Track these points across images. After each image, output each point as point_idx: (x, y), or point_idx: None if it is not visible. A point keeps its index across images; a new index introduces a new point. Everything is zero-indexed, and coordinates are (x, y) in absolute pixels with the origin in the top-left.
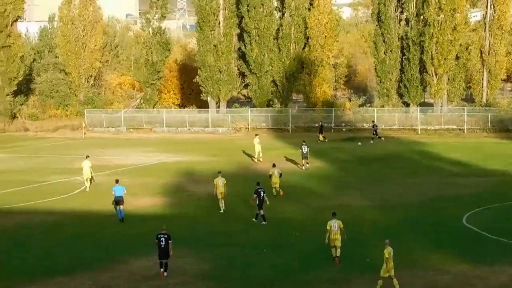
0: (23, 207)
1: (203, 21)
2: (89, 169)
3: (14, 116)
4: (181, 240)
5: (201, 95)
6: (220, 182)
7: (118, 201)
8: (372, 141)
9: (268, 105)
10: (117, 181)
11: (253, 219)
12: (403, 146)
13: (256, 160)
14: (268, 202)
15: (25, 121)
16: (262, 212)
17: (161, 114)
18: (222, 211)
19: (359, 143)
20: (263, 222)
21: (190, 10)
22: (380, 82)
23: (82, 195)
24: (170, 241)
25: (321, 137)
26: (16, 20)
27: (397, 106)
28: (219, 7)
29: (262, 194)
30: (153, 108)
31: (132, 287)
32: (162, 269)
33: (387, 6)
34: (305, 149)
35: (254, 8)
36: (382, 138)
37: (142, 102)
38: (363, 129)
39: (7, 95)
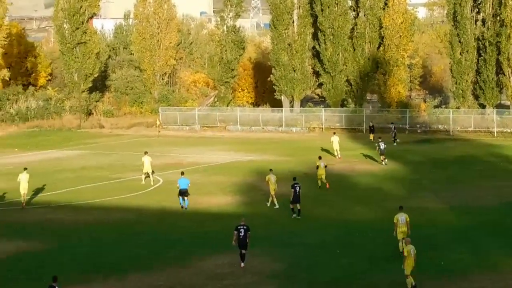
0: (100, 203)
1: (277, 20)
2: (149, 164)
3: (89, 113)
4: (254, 239)
5: (274, 94)
6: (272, 178)
7: (182, 193)
8: (395, 143)
9: (342, 105)
10: (182, 173)
11: (294, 215)
12: (479, 149)
13: (338, 156)
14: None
15: (100, 118)
16: (298, 206)
17: (235, 112)
18: (277, 206)
19: (395, 143)
20: (298, 216)
21: (264, 8)
22: (456, 83)
23: (156, 192)
24: (249, 232)
25: (371, 137)
26: (91, 17)
27: (473, 108)
28: (293, 6)
29: (297, 189)
30: (227, 106)
31: (204, 285)
32: (242, 262)
33: (463, 6)
34: (382, 145)
35: (328, 7)
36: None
37: (216, 100)
38: (438, 131)
39: (83, 91)
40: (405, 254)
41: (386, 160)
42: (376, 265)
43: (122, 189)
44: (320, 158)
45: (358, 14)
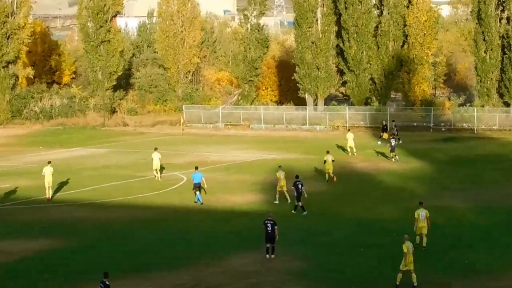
0: (123, 201)
1: (301, 18)
2: (158, 160)
3: (113, 111)
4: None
5: (298, 92)
6: (282, 175)
7: (197, 186)
8: (400, 141)
9: (366, 103)
10: (196, 168)
11: (292, 211)
12: (504, 147)
13: (350, 153)
14: (306, 195)
15: (124, 116)
16: (300, 203)
17: (259, 110)
18: (289, 201)
19: (379, 142)
20: (304, 212)
21: (288, 7)
22: (480, 81)
23: (179, 190)
24: (276, 227)
25: (385, 135)
26: (115, 16)
27: (498, 106)
28: (317, 4)
29: (300, 187)
30: (251, 104)
31: (228, 284)
32: (267, 254)
33: (487, 4)
34: (393, 142)
35: (352, 5)
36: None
37: (240, 98)
38: (463, 129)
39: (107, 89)
40: (405, 250)
41: (397, 156)
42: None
43: (145, 188)
44: (328, 152)
45: (382, 12)
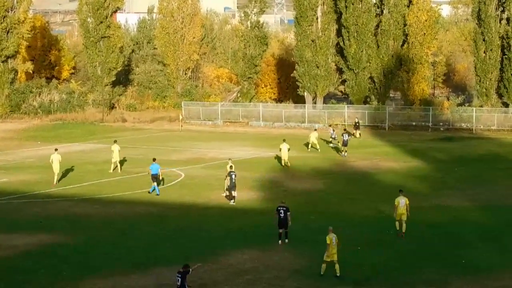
0: (122, 196)
1: (301, 16)
2: (118, 153)
3: (112, 107)
4: (276, 236)
5: (297, 90)
6: (228, 168)
7: (154, 178)
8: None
9: (365, 102)
10: (154, 160)
11: (232, 202)
12: (502, 147)
13: (308, 150)
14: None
15: (123, 111)
16: (234, 193)
17: (258, 108)
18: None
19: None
20: (233, 203)
21: (288, 4)
22: (480, 81)
23: (178, 186)
24: (288, 213)
25: (357, 134)
26: (115, 11)
27: (496, 106)
28: (317, 2)
29: (233, 177)
30: (250, 102)
31: (228, 280)
32: (279, 240)
33: (487, 5)
34: (345, 137)
35: (353, 4)
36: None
37: (239, 95)
38: (461, 129)
39: (106, 85)
40: (328, 242)
41: (346, 152)
42: (404, 264)
43: (144, 183)
44: (284, 141)
45: (382, 11)
